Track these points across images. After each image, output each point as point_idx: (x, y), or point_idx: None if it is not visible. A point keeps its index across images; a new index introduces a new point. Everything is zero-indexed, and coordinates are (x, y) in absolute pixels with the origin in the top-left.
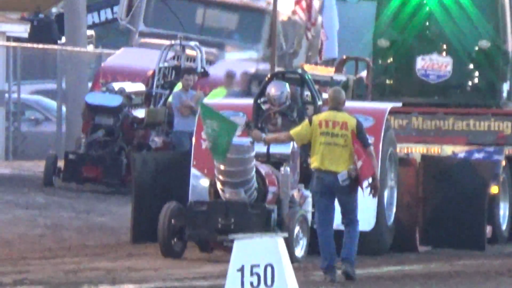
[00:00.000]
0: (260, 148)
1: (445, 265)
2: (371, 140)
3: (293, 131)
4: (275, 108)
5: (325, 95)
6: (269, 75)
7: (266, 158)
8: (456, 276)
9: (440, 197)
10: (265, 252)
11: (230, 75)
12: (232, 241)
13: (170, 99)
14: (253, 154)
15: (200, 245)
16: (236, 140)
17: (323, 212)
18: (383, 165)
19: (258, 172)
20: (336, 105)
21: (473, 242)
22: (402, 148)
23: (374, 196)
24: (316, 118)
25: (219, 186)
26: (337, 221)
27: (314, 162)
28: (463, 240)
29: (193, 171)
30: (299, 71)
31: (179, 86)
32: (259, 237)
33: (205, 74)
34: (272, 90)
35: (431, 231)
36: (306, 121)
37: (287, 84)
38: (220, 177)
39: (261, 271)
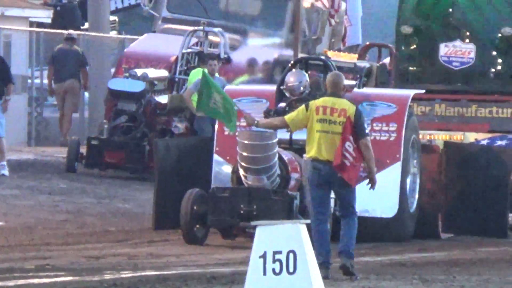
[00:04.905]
0: (283, 134)
1: (468, 252)
2: (393, 126)
3: (288, 117)
4: (294, 97)
5: (347, 82)
6: (292, 62)
7: (289, 144)
8: (479, 263)
9: (463, 184)
10: (288, 238)
11: (252, 63)
12: (254, 227)
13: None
14: (275, 140)
15: (222, 232)
16: None
17: (318, 204)
18: (405, 152)
19: (280, 158)
20: (335, 90)
21: (496, 230)
22: (425, 135)
23: (371, 188)
24: (313, 104)
25: (241, 172)
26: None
27: (310, 151)
28: (486, 227)
29: (216, 157)
30: (322, 57)
31: (198, 73)
32: (282, 224)
33: (228, 60)
34: (291, 79)
35: (453, 218)
36: (303, 106)
37: (306, 74)
38: (243, 163)
39: (283, 258)
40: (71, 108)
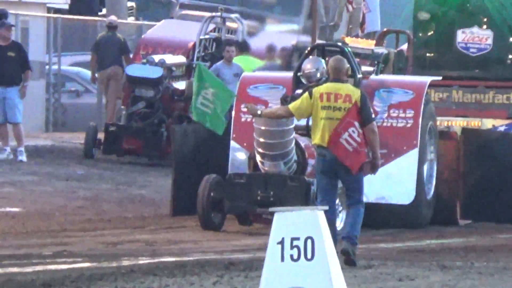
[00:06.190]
0: (300, 121)
1: (485, 239)
2: (410, 113)
3: (292, 106)
4: (311, 84)
5: (364, 68)
6: (309, 48)
7: (306, 130)
8: (497, 249)
9: (481, 170)
10: (306, 225)
11: (271, 49)
12: (271, 213)
13: None
14: (292, 126)
15: (239, 218)
16: None
17: (324, 192)
18: (422, 139)
19: (297, 144)
20: (338, 75)
21: None
22: (442, 121)
23: (373, 173)
24: (317, 91)
25: (258, 158)
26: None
27: (315, 138)
28: (504, 214)
29: (233, 144)
30: (339, 44)
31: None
32: (300, 210)
33: (246, 46)
34: (308, 66)
35: (472, 204)
36: (306, 94)
37: (322, 60)
38: (260, 149)
39: (301, 244)
40: (114, 94)
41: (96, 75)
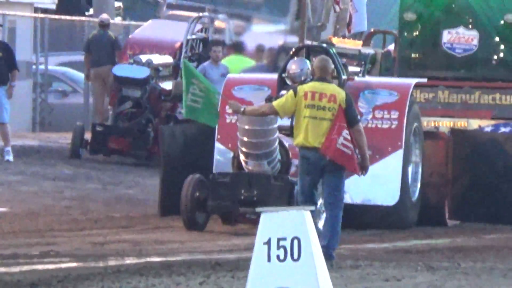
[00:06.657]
0: (284, 121)
1: (472, 239)
2: (395, 114)
3: (276, 103)
4: (296, 85)
5: (351, 69)
6: (293, 49)
7: (290, 130)
8: (484, 250)
9: (470, 171)
10: (292, 225)
11: (260, 49)
12: (256, 213)
13: None
14: (276, 125)
15: (222, 218)
16: None
17: (306, 193)
18: (407, 140)
19: (281, 144)
20: (323, 75)
21: (503, 216)
22: (429, 122)
23: (363, 175)
24: (301, 89)
25: (242, 158)
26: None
27: (297, 138)
28: (493, 214)
29: (218, 145)
30: (324, 45)
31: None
32: (286, 210)
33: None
34: (292, 67)
35: (460, 205)
36: (291, 91)
37: (307, 61)
38: (243, 148)
39: (287, 245)
40: (108, 91)
41: (91, 71)
